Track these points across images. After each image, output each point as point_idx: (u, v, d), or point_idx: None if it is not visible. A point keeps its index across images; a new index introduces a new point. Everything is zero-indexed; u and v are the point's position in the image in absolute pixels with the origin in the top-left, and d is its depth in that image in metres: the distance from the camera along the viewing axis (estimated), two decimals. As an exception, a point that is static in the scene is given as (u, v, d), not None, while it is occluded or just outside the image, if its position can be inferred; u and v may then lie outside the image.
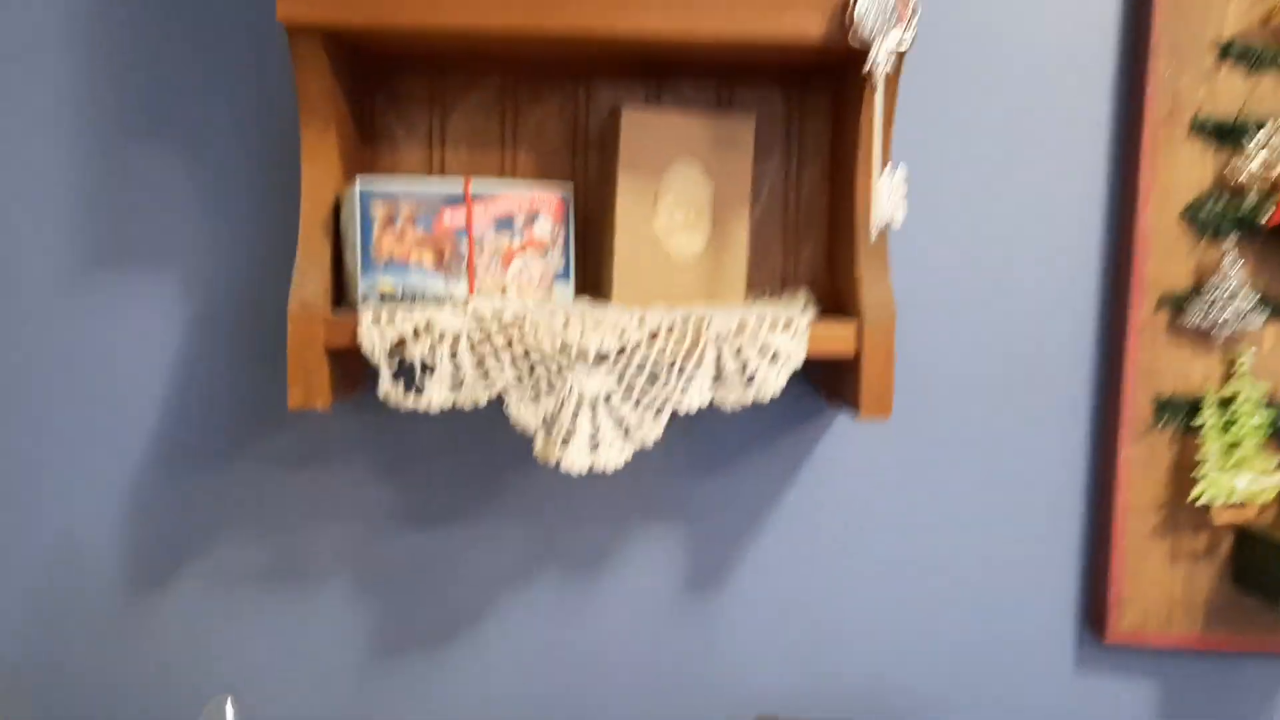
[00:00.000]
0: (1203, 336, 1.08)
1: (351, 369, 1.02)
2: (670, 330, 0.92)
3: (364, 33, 0.92)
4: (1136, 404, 1.08)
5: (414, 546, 1.12)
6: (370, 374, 1.08)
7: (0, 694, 1.12)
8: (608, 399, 0.93)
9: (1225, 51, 1.06)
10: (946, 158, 1.10)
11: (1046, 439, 1.12)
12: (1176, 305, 1.07)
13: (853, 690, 1.13)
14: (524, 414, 0.93)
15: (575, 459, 0.92)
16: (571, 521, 1.12)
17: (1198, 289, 1.07)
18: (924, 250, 1.11)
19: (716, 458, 1.12)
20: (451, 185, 0.94)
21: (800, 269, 1.10)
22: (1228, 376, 1.08)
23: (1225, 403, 1.07)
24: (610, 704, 1.14)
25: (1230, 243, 1.07)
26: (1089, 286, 1.11)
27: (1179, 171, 1.07)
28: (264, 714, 1.13)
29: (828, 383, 1.07)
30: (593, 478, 1.12)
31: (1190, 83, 1.06)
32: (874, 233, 0.89)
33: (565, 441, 0.92)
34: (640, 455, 1.11)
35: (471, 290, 0.95)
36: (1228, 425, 1.07)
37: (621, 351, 0.92)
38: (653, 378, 0.93)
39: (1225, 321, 1.06)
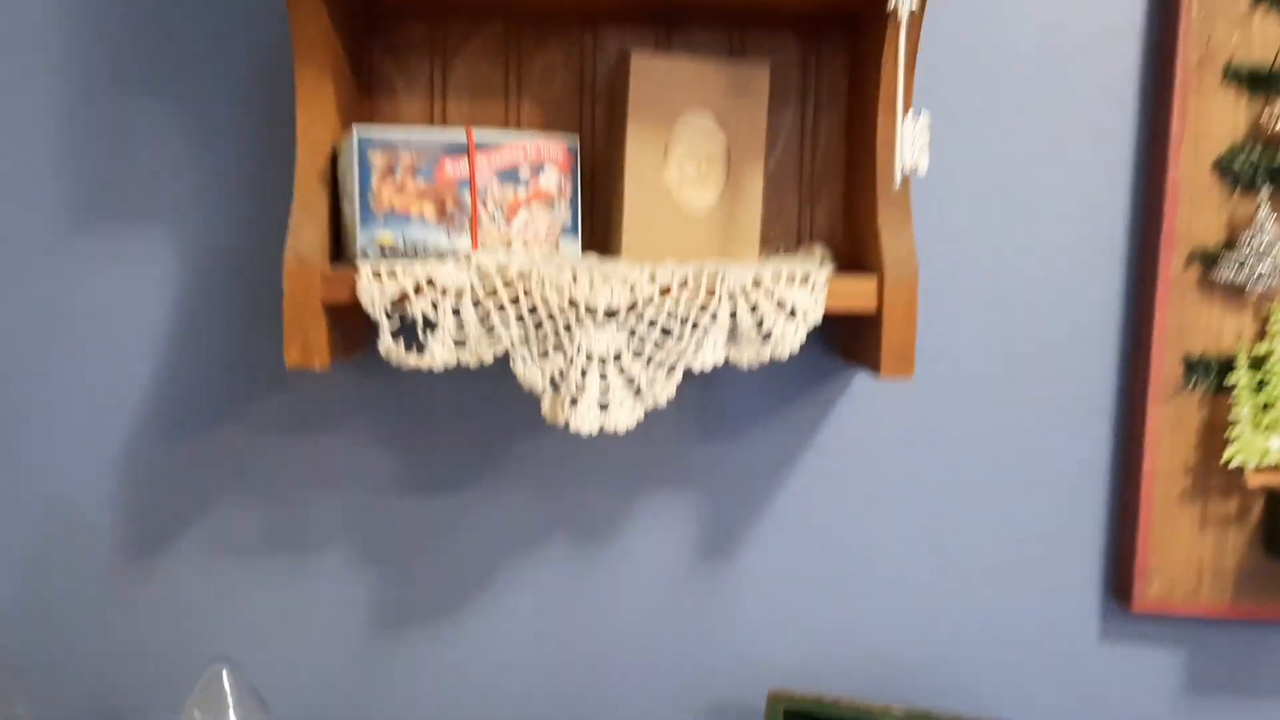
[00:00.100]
0: (1235, 293, 1.04)
1: (351, 327, 0.98)
2: (683, 285, 0.88)
3: (361, -28, 0.88)
4: (1165, 364, 1.04)
5: (417, 513, 1.09)
6: (371, 333, 1.05)
7: (-8, 666, 1.09)
8: (618, 357, 0.89)
9: (1261, -5, 1.02)
10: (967, 109, 1.06)
11: (1071, 401, 1.08)
12: (1207, 260, 1.04)
13: (871, 663, 1.10)
14: (530, 373, 0.89)
15: (584, 419, 0.88)
16: (580, 487, 1.09)
17: (1230, 243, 1.03)
18: (944, 204, 1.06)
19: (729, 421, 1.09)
20: (453, 134, 0.90)
21: (816, 225, 1.06)
22: (1261, 335, 1.04)
23: (1258, 362, 1.03)
24: (619, 676, 1.10)
25: (1264, 195, 1.02)
26: (1116, 242, 1.07)
27: (1211, 121, 1.03)
28: (262, 684, 1.10)
29: (845, 341, 1.03)
30: (601, 442, 1.08)
31: (1223, 28, 1.02)
32: (897, 180, 0.85)
33: (574, 401, 0.89)
34: (650, 419, 1.08)
35: (475, 244, 0.91)
36: (1260, 385, 1.03)
37: (632, 307, 0.88)
38: (665, 335, 0.89)
39: (1259, 277, 1.02)
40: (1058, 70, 1.05)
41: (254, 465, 1.08)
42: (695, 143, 0.95)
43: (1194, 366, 1.04)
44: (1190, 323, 1.04)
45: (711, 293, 0.88)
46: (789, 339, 0.90)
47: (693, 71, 0.94)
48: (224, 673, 0.91)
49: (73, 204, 1.05)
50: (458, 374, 1.08)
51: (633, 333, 0.89)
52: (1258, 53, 1.02)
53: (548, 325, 0.89)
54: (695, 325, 0.89)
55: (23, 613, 1.09)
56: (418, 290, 0.87)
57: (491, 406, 1.08)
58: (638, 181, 0.94)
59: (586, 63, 1.04)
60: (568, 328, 0.89)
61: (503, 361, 1.04)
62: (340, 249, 0.95)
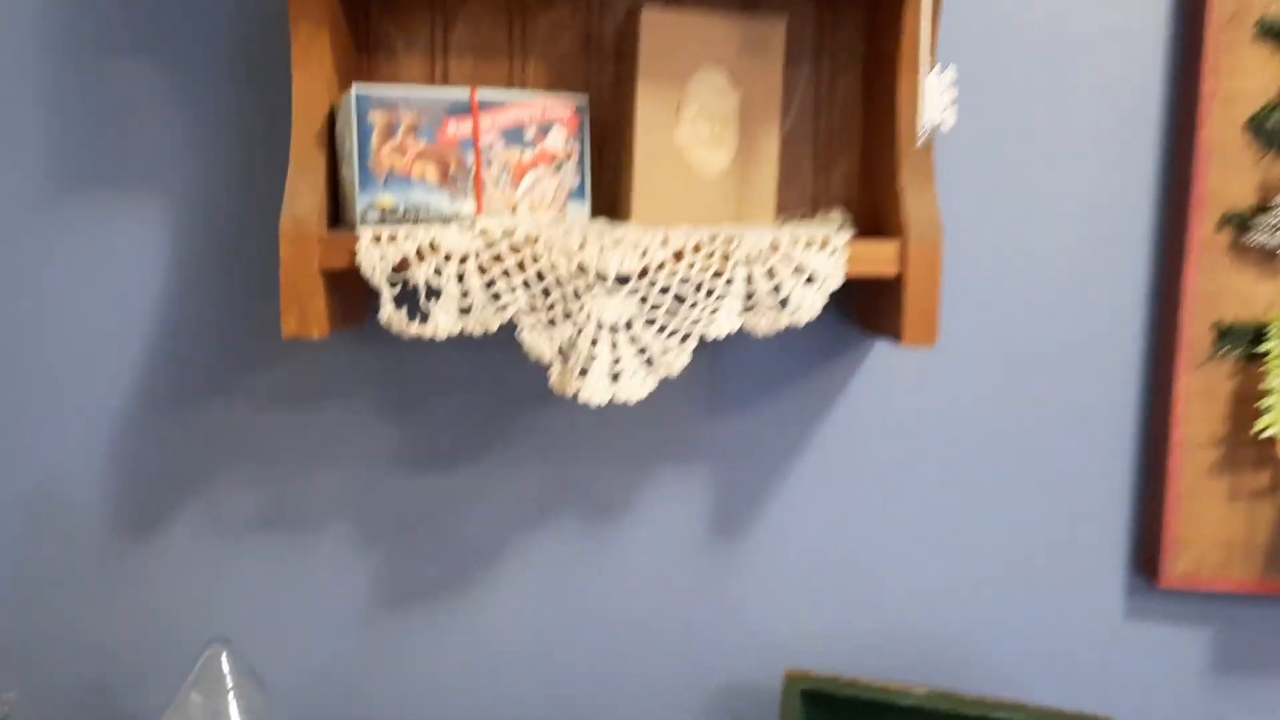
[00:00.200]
0: (1268, 257, 1.00)
1: (351, 295, 0.95)
2: (697, 249, 0.85)
3: (357, -78, 0.83)
4: (1194, 331, 1.01)
5: (419, 489, 1.06)
6: (371, 301, 1.01)
7: (-15, 648, 1.06)
8: (629, 325, 0.86)
9: (1298, -55, 0.97)
10: (987, 67, 1.02)
11: (1097, 370, 1.04)
12: (1239, 224, 1.00)
13: (890, 642, 1.07)
14: (538, 342, 0.86)
15: (594, 390, 0.85)
16: (588, 462, 1.06)
17: (1263, 206, 0.99)
18: (963, 167, 1.03)
19: (743, 392, 1.05)
20: (457, 93, 0.87)
21: (833, 188, 1.03)
22: (1295, 301, 1.01)
23: (1292, 329, 1.00)
24: (629, 657, 1.07)
25: (1300, 156, 0.99)
26: (1144, 204, 1.03)
27: (1243, 79, 0.99)
28: (262, 666, 1.07)
29: (864, 309, 1.00)
30: (610, 415, 1.05)
31: (1257, -18, 0.98)
32: (922, 136, 0.81)
33: (583, 371, 0.85)
34: (660, 390, 1.04)
35: (479, 208, 0.88)
36: (1294, 353, 0.99)
37: (643, 273, 0.85)
38: (678, 302, 0.86)
39: (1293, 241, 0.98)
40: (1083, 27, 1.01)
41: (250, 440, 1.05)
42: (708, 102, 0.92)
43: (1225, 334, 1.01)
44: (1221, 288, 1.00)
45: (727, 258, 0.85)
46: (807, 306, 0.86)
47: (706, 27, 0.90)
48: (223, 654, 0.88)
49: (57, 171, 1.02)
50: (461, 344, 1.04)
51: (644, 300, 0.86)
52: (1293, 7, 0.98)
53: (556, 292, 0.85)
54: (710, 292, 0.86)
55: (12, 595, 1.06)
56: (420, 256, 0.84)
57: (496, 377, 1.04)
58: (648, 142, 0.90)
59: (594, 19, 0.99)
60: (577, 295, 0.85)
61: (508, 330, 1.01)
62: (338, 215, 0.91)
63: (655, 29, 0.89)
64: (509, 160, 0.88)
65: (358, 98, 0.83)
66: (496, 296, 0.85)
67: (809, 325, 1.04)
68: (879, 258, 0.87)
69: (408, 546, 1.06)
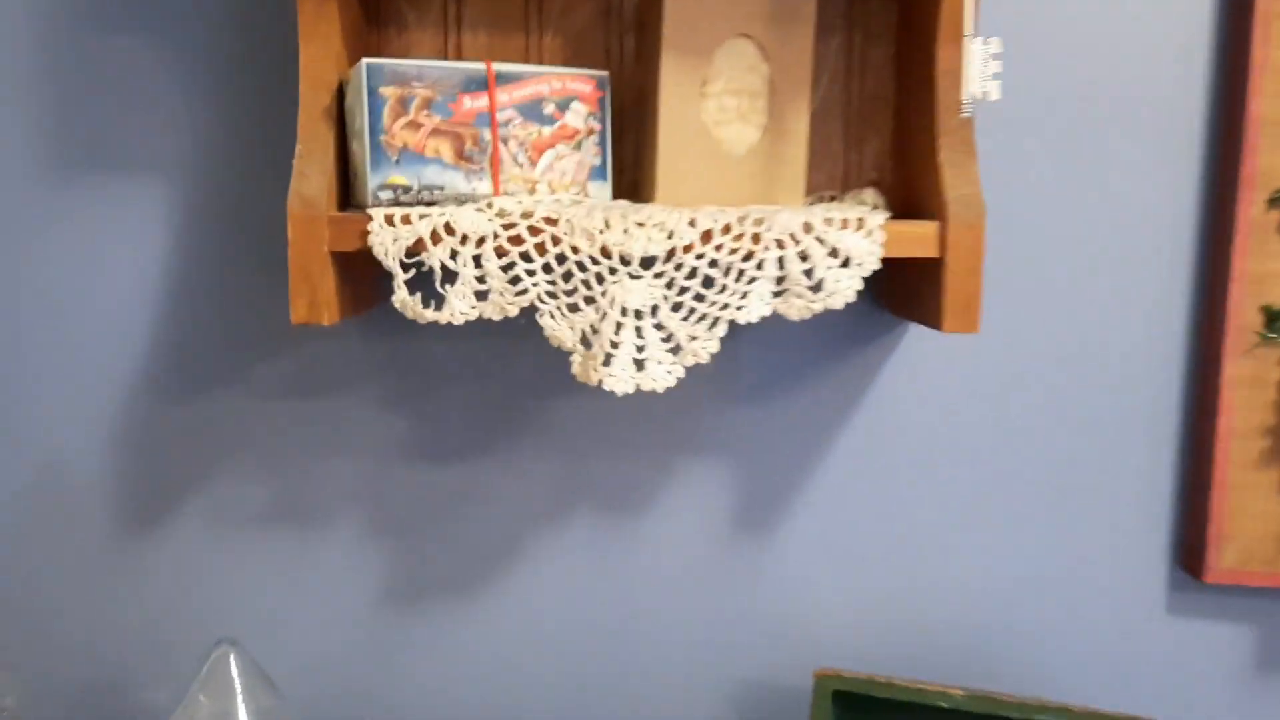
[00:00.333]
0: (1321, 238, 0.96)
1: (362, 279, 0.91)
2: (726, 231, 0.80)
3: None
4: (1243, 314, 0.96)
5: (433, 481, 1.02)
6: (383, 285, 0.97)
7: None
8: (654, 310, 0.82)
9: (1356, -92, 0.93)
10: (1026, 38, 0.97)
11: (1139, 356, 1.00)
12: (1291, 203, 0.96)
13: (922, 639, 1.03)
14: (559, 328, 0.82)
15: (618, 379, 0.81)
16: (608, 454, 1.02)
17: (1316, 184, 0.95)
18: (1000, 143, 0.98)
19: (769, 380, 1.01)
20: (472, 65, 0.82)
21: (864, 167, 0.98)
22: (1349, 283, 0.96)
23: (1345, 313, 0.96)
24: (651, 657, 1.04)
25: (1355, 131, 0.94)
26: (1189, 182, 0.98)
27: (1296, 50, 0.94)
28: (271, 665, 1.03)
29: (897, 293, 0.96)
30: (631, 404, 1.01)
31: (1311, -53, 0.93)
32: (966, 108, 0.76)
33: (607, 360, 0.81)
34: (684, 380, 1.00)
35: (496, 187, 0.84)
36: (1348, 338, 0.95)
37: (670, 256, 0.81)
38: (706, 286, 0.82)
39: (1349, 220, 0.94)
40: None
41: (257, 431, 1.01)
42: (736, 75, 0.87)
43: (1275, 317, 0.96)
44: (1271, 270, 0.96)
45: (757, 239, 0.81)
46: (842, 290, 0.82)
47: (733, -5, 0.86)
48: (231, 655, 0.85)
49: (54, 151, 0.98)
50: (477, 330, 1.00)
51: (671, 284, 0.82)
52: (1349, -26, 0.93)
53: (578, 276, 0.81)
54: (739, 275, 0.81)
55: (12, 591, 1.03)
56: (435, 238, 0.80)
57: (513, 366, 1.01)
58: (673, 119, 0.86)
59: (615, -11, 0.95)
60: (600, 279, 0.81)
61: (526, 316, 0.97)
62: (348, 196, 0.87)
63: (680, -2, 0.84)
64: (527, 137, 0.84)
65: (368, 70, 0.79)
66: (515, 281, 0.81)
67: (838, 309, 1.00)
68: (918, 239, 0.83)
69: (420, 541, 1.03)
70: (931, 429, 1.01)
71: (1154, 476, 1.02)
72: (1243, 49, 0.95)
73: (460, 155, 0.83)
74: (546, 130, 0.85)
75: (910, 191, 0.92)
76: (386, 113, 0.80)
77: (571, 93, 0.86)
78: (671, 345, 0.82)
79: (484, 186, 0.83)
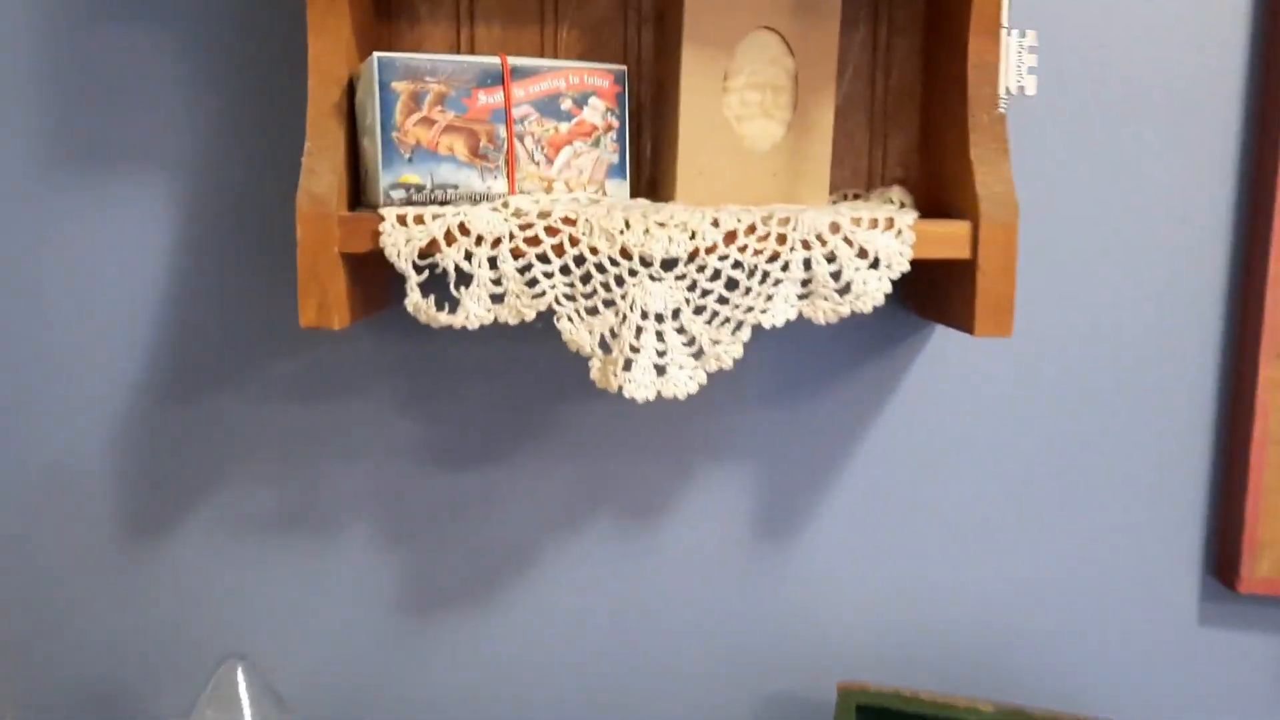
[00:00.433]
0: (1362, 238, 0.93)
1: (373, 280, 0.88)
2: (750, 231, 0.78)
3: None
4: (1279, 316, 0.94)
5: (446, 487, 0.99)
6: (395, 287, 0.95)
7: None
8: (676, 314, 0.79)
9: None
10: (1057, 33, 0.94)
11: (1172, 358, 0.97)
12: (1331, 201, 0.92)
13: (947, 649, 1.01)
14: (577, 332, 0.79)
15: (639, 385, 0.78)
16: (626, 458, 0.99)
17: (1358, 182, 0.92)
18: (1029, 140, 0.95)
19: (790, 383, 0.98)
20: (487, 60, 0.79)
21: (889, 163, 0.95)
22: (1391, 284, 0.93)
23: (1387, 315, 0.93)
24: (669, 667, 1.01)
25: (1399, 126, 0.91)
26: (1225, 180, 0.95)
27: (1337, 43, 0.91)
28: (280, 679, 1.01)
29: (923, 294, 0.93)
30: (650, 408, 0.98)
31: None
32: (1002, 103, 0.73)
33: (627, 365, 0.78)
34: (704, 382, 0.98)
35: (512, 186, 0.81)
36: (1390, 341, 0.92)
37: (692, 257, 0.78)
38: (729, 288, 0.79)
39: (1392, 219, 0.91)
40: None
41: (265, 435, 0.99)
42: (759, 69, 0.84)
43: (1314, 320, 0.94)
44: (1310, 271, 0.93)
45: (783, 240, 0.78)
46: (871, 292, 0.79)
47: (757, -14, 0.83)
48: (238, 668, 0.82)
49: (54, 149, 0.95)
50: (492, 333, 0.97)
51: (693, 286, 0.79)
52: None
53: (597, 278, 0.78)
54: (764, 277, 0.79)
55: (13, 598, 1.01)
56: (449, 238, 0.77)
57: (529, 369, 0.98)
58: (694, 114, 0.83)
59: (633, -20, 0.92)
60: (620, 281, 0.78)
61: (542, 319, 0.95)
62: (359, 195, 0.84)
63: (702, -12, 0.82)
64: (543, 134, 0.81)
65: (380, 65, 0.76)
66: (532, 283, 0.78)
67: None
68: (949, 239, 0.80)
69: (434, 549, 1.00)
70: (957, 433, 0.99)
71: (1186, 482, 0.99)
72: (1278, 34, 0.92)
73: (475, 153, 0.80)
74: (563, 126, 0.82)
75: (937, 189, 0.89)
76: (399, 109, 0.77)
77: (589, 88, 0.83)
78: (693, 350, 0.79)
79: (499, 185, 0.81)
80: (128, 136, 0.95)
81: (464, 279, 0.77)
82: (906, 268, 0.79)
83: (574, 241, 0.77)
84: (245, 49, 0.94)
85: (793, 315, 0.79)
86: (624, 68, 0.84)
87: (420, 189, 0.79)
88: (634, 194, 0.91)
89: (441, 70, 0.78)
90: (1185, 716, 1.01)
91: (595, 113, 0.83)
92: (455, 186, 0.79)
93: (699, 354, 0.80)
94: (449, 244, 0.77)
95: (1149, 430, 0.98)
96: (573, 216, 0.77)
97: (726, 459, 0.99)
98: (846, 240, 0.78)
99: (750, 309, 0.79)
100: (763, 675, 1.01)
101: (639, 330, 0.78)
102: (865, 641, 1.01)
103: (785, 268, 0.78)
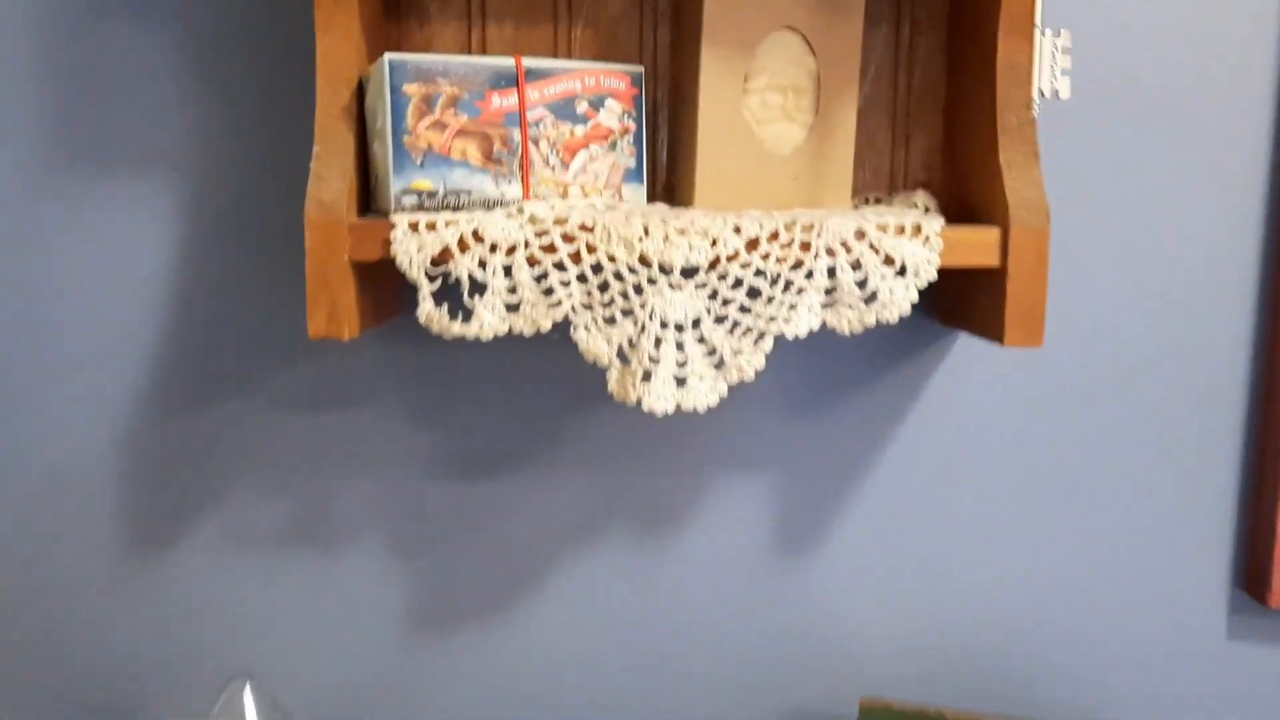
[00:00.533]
0: (1399, 243, 0.90)
1: (384, 287, 0.86)
2: (773, 238, 0.75)
3: None
4: (1313, 324, 0.91)
5: (458, 499, 0.97)
6: (406, 295, 0.92)
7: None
8: (696, 323, 0.77)
9: None
10: (1083, 32, 0.91)
11: (1200, 367, 0.95)
12: (1367, 205, 0.90)
13: (971, 663, 0.98)
14: (594, 343, 0.77)
15: (658, 397, 0.76)
16: (643, 469, 0.97)
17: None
18: (1056, 143, 0.92)
19: (809, 391, 0.96)
20: (500, 61, 0.77)
21: (911, 166, 0.93)
22: None
23: None
24: (688, 682, 0.99)
25: None
26: (1255, 188, 0.93)
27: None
28: (288, 697, 0.98)
29: (947, 302, 0.90)
30: (668, 418, 0.96)
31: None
32: (1036, 106, 0.71)
33: (646, 376, 0.76)
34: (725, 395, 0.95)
35: (527, 191, 0.78)
36: None
37: (713, 265, 0.75)
38: (751, 297, 0.77)
39: None
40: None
41: (272, 446, 0.96)
42: (781, 70, 0.82)
43: (1348, 327, 0.91)
44: (1344, 277, 0.91)
45: (807, 247, 0.75)
46: (898, 301, 0.77)
47: (778, -16, 0.80)
48: (245, 688, 0.80)
49: (58, 150, 0.93)
50: (505, 342, 0.95)
51: (714, 295, 0.76)
52: None
53: (615, 287, 0.76)
54: (787, 285, 0.76)
55: (11, 612, 0.98)
56: (462, 246, 0.74)
57: (543, 378, 0.96)
58: (713, 116, 0.81)
59: (650, -22, 0.90)
60: (638, 289, 0.76)
61: (560, 329, 0.92)
62: (369, 201, 0.82)
63: (722, -13, 0.79)
64: (559, 137, 0.79)
65: (391, 67, 0.74)
66: (548, 292, 0.76)
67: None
68: (978, 246, 0.77)
69: (447, 562, 0.98)
70: (981, 444, 0.96)
71: (1215, 495, 0.97)
72: (1317, 41, 0.89)
73: (488, 157, 0.77)
74: (579, 130, 0.80)
75: (962, 193, 0.87)
76: (410, 112, 0.75)
77: (605, 89, 0.80)
78: (714, 360, 0.77)
79: (513, 190, 0.78)
80: (131, 139, 0.93)
81: (478, 288, 0.75)
82: (934, 276, 0.76)
83: (591, 249, 0.75)
84: (252, 49, 0.92)
85: (816, 325, 0.77)
86: (641, 69, 0.82)
87: (432, 195, 0.76)
88: (650, 198, 0.89)
89: (454, 72, 0.76)
90: (1214, 733, 0.99)
91: (612, 115, 0.81)
92: (468, 192, 0.77)
93: (720, 364, 0.77)
94: (462, 252, 0.74)
95: (1177, 441, 0.96)
96: (590, 223, 0.75)
97: (744, 469, 0.97)
98: (873, 247, 0.76)
99: (773, 318, 0.76)
100: (783, 689, 0.99)
101: (658, 340, 0.76)
102: (887, 654, 0.98)
103: (809, 276, 0.76)
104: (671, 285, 0.76)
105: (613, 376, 0.77)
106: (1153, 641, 0.98)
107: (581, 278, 0.76)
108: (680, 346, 0.76)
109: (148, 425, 0.96)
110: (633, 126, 0.82)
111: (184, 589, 0.98)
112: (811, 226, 0.76)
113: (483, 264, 0.75)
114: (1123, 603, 0.98)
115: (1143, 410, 0.96)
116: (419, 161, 0.75)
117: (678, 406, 0.76)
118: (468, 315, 0.76)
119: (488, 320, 0.76)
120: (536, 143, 0.78)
